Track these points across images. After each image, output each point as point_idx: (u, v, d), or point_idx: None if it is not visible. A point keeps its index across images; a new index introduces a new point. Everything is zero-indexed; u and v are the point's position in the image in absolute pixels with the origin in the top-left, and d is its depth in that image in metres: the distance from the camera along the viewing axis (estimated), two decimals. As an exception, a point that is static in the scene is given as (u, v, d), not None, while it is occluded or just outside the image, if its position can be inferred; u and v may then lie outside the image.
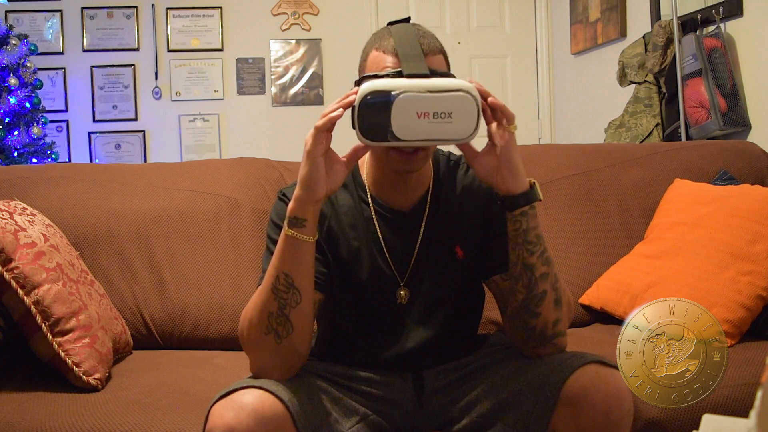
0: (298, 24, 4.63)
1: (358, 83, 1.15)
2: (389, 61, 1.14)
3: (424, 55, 1.12)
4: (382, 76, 1.10)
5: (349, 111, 1.08)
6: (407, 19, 1.22)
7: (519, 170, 1.12)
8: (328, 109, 1.07)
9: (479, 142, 1.10)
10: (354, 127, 1.08)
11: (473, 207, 1.27)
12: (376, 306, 1.25)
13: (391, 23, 1.21)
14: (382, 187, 1.26)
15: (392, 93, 1.05)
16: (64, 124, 4.47)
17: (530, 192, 1.12)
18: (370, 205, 1.26)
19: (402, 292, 1.25)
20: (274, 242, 1.21)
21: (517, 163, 1.12)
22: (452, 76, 1.14)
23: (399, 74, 1.09)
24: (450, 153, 1.34)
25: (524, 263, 1.13)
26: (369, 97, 1.05)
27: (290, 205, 1.09)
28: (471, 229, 1.27)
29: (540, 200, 1.14)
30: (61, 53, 4.49)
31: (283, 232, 1.09)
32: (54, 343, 1.36)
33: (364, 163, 1.29)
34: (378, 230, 1.25)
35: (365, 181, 1.28)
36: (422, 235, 1.26)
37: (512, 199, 1.12)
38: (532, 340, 1.16)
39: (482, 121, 1.09)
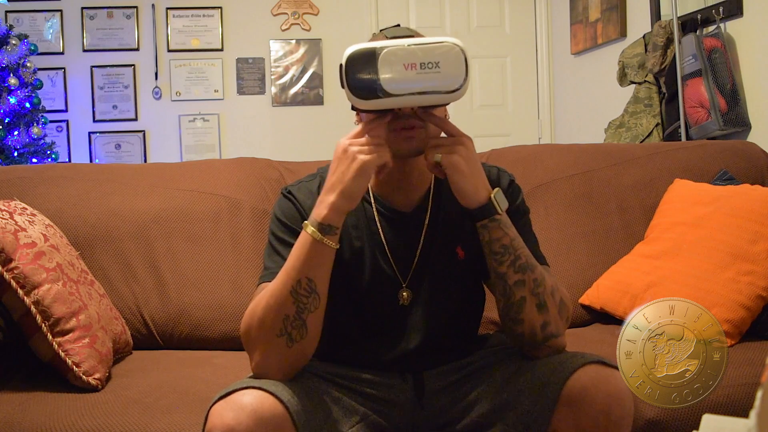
0: (298, 24, 4.63)
1: None
2: None
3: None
4: None
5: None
6: (397, 26, 1.25)
7: (462, 190, 1.12)
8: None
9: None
10: (343, 87, 1.09)
11: None
12: (377, 307, 1.25)
13: (382, 30, 1.24)
14: (385, 187, 1.27)
15: (376, 48, 1.07)
16: (64, 124, 4.47)
17: (485, 207, 1.13)
18: (373, 205, 1.26)
19: (404, 293, 1.25)
20: (279, 240, 1.21)
21: (457, 184, 1.12)
22: None
23: None
24: None
25: (495, 272, 1.14)
26: (355, 54, 1.07)
27: (322, 212, 1.08)
28: (472, 229, 1.27)
29: (499, 214, 1.13)
30: (61, 53, 4.49)
31: (309, 236, 1.08)
32: (54, 343, 1.36)
33: None
34: (380, 231, 1.25)
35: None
36: (424, 235, 1.26)
37: (468, 213, 1.14)
38: (525, 345, 1.16)
39: (470, 73, 1.09)
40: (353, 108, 1.21)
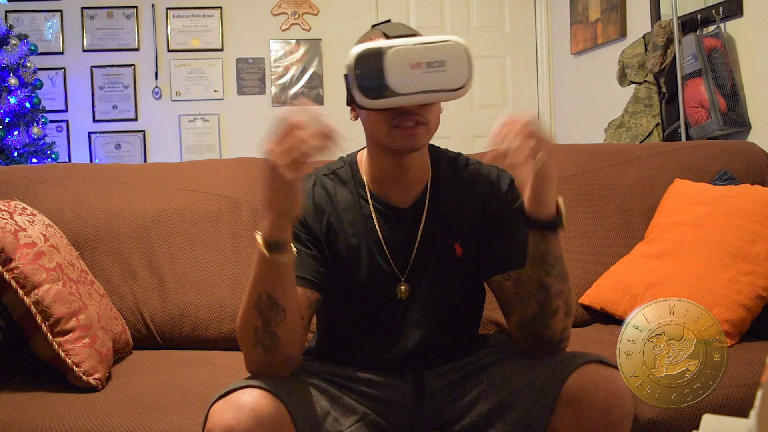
0: (298, 24, 4.63)
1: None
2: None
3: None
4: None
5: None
6: (388, 21, 1.26)
7: (544, 200, 1.08)
8: (287, 139, 0.95)
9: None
10: (351, 90, 1.09)
11: (471, 204, 1.27)
12: (375, 303, 1.25)
13: (374, 25, 1.24)
14: (381, 183, 1.26)
15: (382, 48, 1.08)
16: (64, 124, 4.47)
17: (551, 221, 1.09)
18: (369, 202, 1.26)
19: (402, 287, 1.24)
20: None
21: (542, 194, 1.07)
22: None
23: None
24: (447, 150, 1.34)
25: (540, 282, 1.12)
26: (362, 54, 1.08)
27: (266, 229, 1.02)
28: (470, 227, 1.27)
29: (562, 227, 1.10)
30: (61, 53, 4.49)
31: (260, 255, 1.03)
32: (54, 343, 1.36)
33: (363, 160, 1.29)
34: (377, 227, 1.25)
35: (364, 179, 1.28)
36: (421, 232, 1.25)
37: (531, 220, 1.11)
38: (538, 345, 1.16)
39: (474, 72, 1.09)
40: (348, 103, 1.21)
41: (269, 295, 1.06)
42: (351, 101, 1.18)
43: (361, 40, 1.22)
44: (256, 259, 1.05)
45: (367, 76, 1.08)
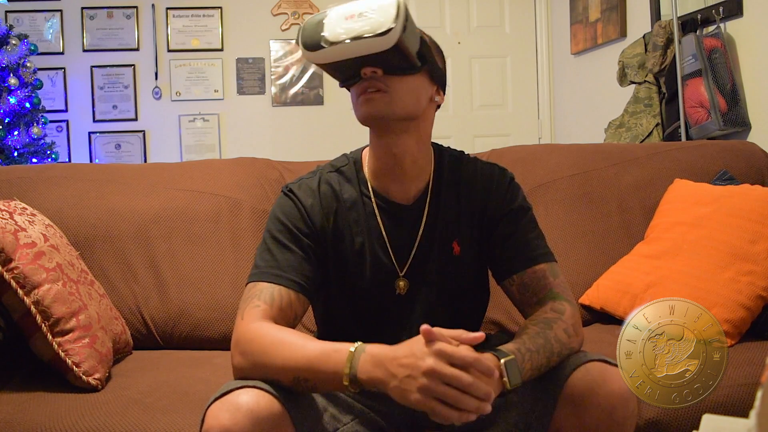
0: (298, 24, 4.61)
1: None
2: None
3: None
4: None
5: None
6: None
7: None
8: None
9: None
10: (297, 43, 1.17)
11: (470, 202, 1.27)
12: (375, 299, 1.25)
13: None
14: (381, 178, 1.26)
15: (329, 10, 1.15)
16: (64, 124, 4.47)
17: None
18: (372, 199, 1.26)
19: (401, 283, 1.25)
20: (275, 239, 1.20)
21: None
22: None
23: None
24: (450, 147, 1.34)
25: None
26: (311, 19, 1.14)
27: (369, 378, 1.00)
28: (469, 226, 1.27)
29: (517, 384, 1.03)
30: (61, 53, 4.48)
31: (338, 381, 1.02)
32: (54, 343, 1.36)
33: (365, 156, 1.29)
34: (380, 224, 1.25)
35: (366, 175, 1.27)
36: (423, 228, 1.25)
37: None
38: None
39: (402, 19, 1.09)
40: (341, 85, 1.22)
41: (312, 386, 1.05)
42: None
43: None
44: (325, 377, 1.02)
45: (311, 31, 1.13)
